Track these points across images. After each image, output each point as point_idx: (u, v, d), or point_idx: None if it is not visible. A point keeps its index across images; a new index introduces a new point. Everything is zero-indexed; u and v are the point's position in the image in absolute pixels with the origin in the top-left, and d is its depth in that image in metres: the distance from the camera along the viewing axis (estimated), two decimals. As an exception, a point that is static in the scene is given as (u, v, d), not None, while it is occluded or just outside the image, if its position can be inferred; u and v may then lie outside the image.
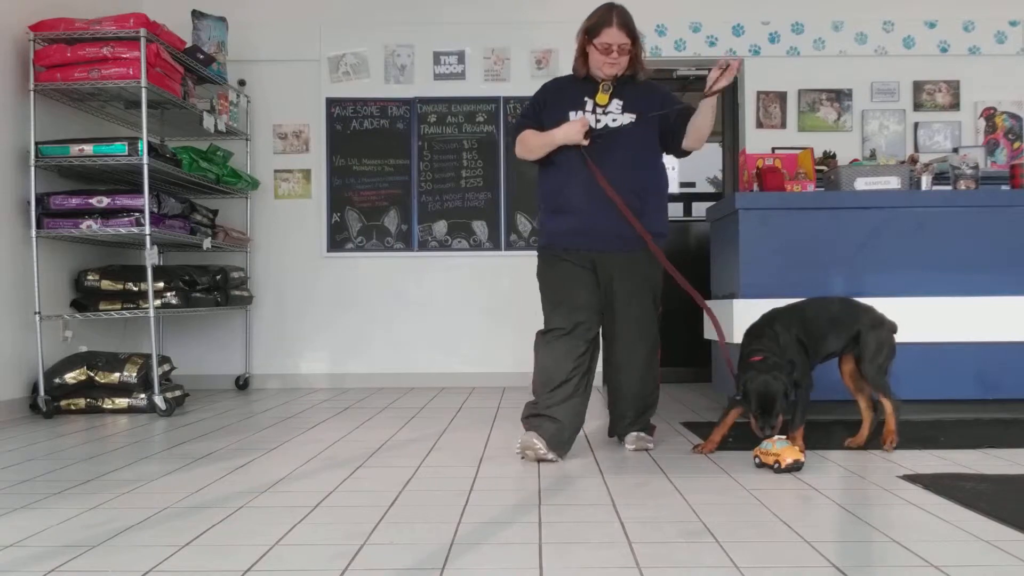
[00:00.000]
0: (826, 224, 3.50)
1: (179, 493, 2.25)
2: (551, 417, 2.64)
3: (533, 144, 2.77)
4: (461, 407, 4.12)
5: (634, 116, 2.74)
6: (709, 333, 3.83)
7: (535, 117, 2.81)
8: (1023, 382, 3.46)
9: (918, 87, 5.16)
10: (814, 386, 2.75)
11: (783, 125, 5.17)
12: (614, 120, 2.75)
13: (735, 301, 3.48)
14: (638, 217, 2.70)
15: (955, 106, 5.16)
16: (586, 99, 2.77)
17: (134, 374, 3.95)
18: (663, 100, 2.81)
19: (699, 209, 5.34)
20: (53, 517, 2.01)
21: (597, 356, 2.81)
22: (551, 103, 2.81)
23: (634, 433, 2.85)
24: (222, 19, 4.80)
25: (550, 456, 2.59)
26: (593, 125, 2.72)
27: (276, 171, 5.20)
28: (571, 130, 2.66)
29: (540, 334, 2.77)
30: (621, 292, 2.77)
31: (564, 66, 5.11)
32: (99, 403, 3.93)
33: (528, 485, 2.31)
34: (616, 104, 2.76)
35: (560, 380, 2.66)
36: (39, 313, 3.88)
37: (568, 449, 2.72)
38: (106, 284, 4.27)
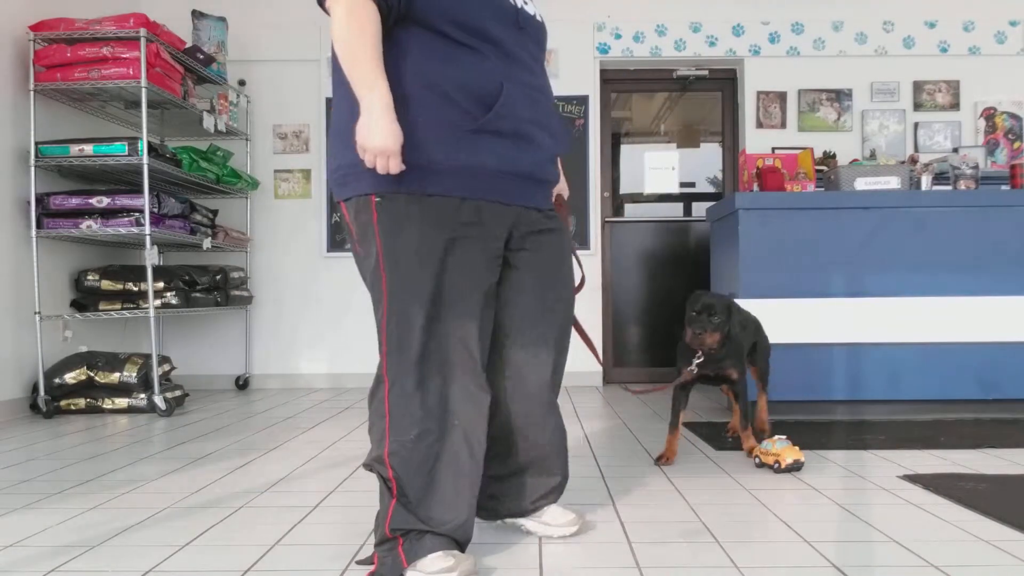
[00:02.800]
0: (826, 224, 3.50)
1: (179, 493, 2.25)
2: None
3: (360, 54, 1.43)
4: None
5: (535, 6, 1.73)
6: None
7: None
8: (1023, 382, 3.46)
9: (918, 87, 5.16)
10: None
11: (783, 125, 5.17)
12: (526, 2, 1.68)
13: (735, 301, 3.48)
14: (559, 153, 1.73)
15: (955, 106, 5.15)
16: None
17: (134, 374, 3.95)
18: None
19: (699, 209, 5.34)
20: (53, 517, 2.01)
21: None
22: None
23: (556, 507, 1.82)
24: (222, 19, 4.80)
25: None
26: (517, 2, 1.63)
27: (276, 171, 5.20)
28: (386, 136, 1.42)
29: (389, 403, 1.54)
30: (536, 278, 1.69)
31: (565, 67, 5.11)
32: (99, 403, 3.93)
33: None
34: None
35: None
36: (39, 313, 3.88)
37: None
38: (106, 284, 4.27)
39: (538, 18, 1.71)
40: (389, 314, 1.52)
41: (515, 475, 1.77)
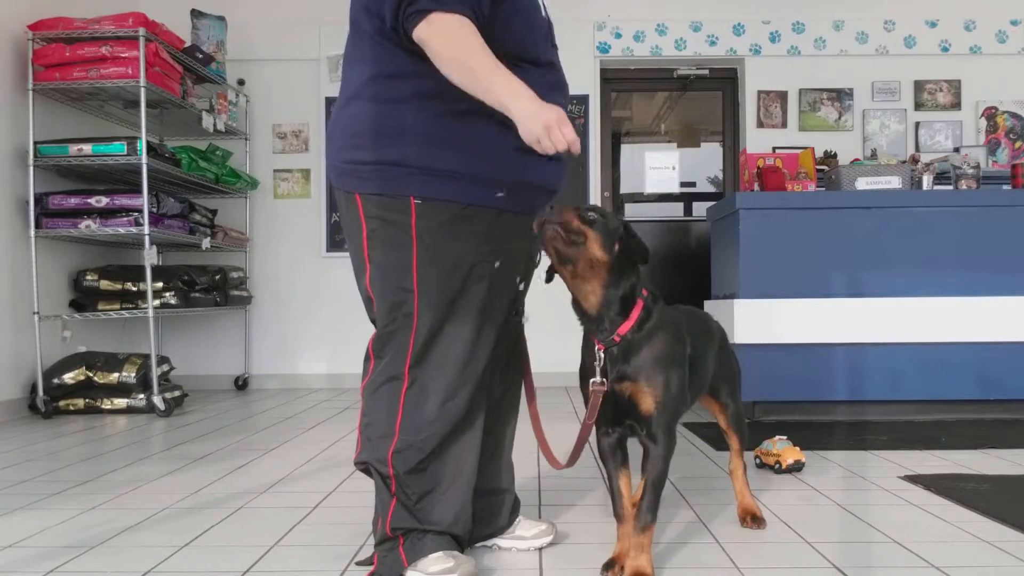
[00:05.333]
0: (827, 224, 3.50)
1: (178, 494, 2.24)
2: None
3: (484, 61, 1.41)
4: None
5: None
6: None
7: None
8: (1024, 382, 3.46)
9: (919, 86, 5.15)
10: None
11: (784, 125, 5.16)
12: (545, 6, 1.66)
13: (735, 301, 3.47)
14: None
15: (956, 105, 5.15)
16: None
17: (133, 374, 3.95)
18: None
19: (699, 209, 5.33)
20: (52, 518, 2.01)
21: None
22: None
23: (525, 519, 1.78)
24: (221, 18, 4.79)
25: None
26: (545, 14, 1.63)
27: (275, 171, 5.19)
28: (549, 117, 1.39)
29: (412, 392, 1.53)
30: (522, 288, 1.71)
31: (565, 66, 5.09)
32: (98, 403, 3.92)
33: (527, 485, 2.30)
34: None
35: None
36: (38, 313, 3.87)
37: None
38: (105, 284, 4.27)
39: (550, 18, 1.68)
40: (420, 318, 1.51)
41: (496, 493, 1.73)
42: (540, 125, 1.38)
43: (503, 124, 1.46)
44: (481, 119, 1.49)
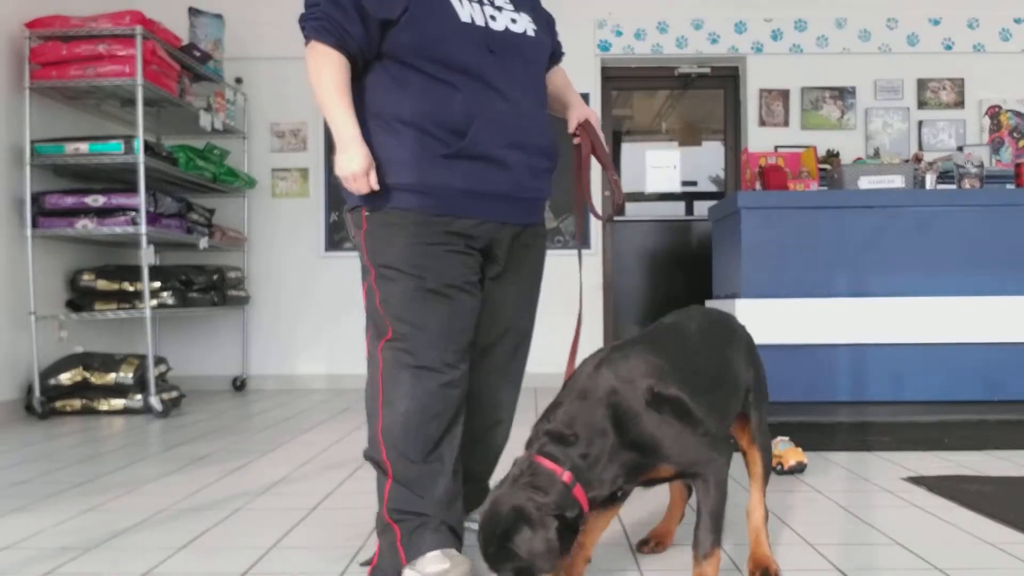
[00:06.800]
0: (829, 223, 3.48)
1: (176, 495, 2.23)
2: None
3: (326, 90, 1.60)
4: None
5: (530, 19, 1.78)
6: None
7: (352, 11, 1.59)
8: (1027, 382, 3.44)
9: (922, 85, 5.14)
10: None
11: (786, 123, 5.14)
12: (513, 20, 1.74)
13: (737, 301, 3.46)
14: (549, 174, 1.80)
15: (959, 104, 5.13)
16: None
17: (130, 375, 3.93)
18: (548, 22, 1.90)
19: (701, 208, 5.32)
20: (48, 520, 1.99)
21: None
22: None
23: None
24: (219, 16, 4.78)
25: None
26: (485, 23, 1.69)
27: (273, 170, 5.18)
28: (352, 162, 1.58)
29: (392, 354, 1.63)
30: (512, 293, 1.80)
31: (565, 64, 5.08)
32: (95, 404, 3.91)
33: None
34: None
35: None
36: (34, 313, 3.85)
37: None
38: (102, 284, 4.25)
39: (529, 33, 1.74)
40: (384, 307, 1.64)
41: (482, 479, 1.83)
42: (341, 174, 1.60)
43: (424, 132, 1.62)
44: (404, 127, 1.64)
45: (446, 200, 1.64)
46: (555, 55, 1.91)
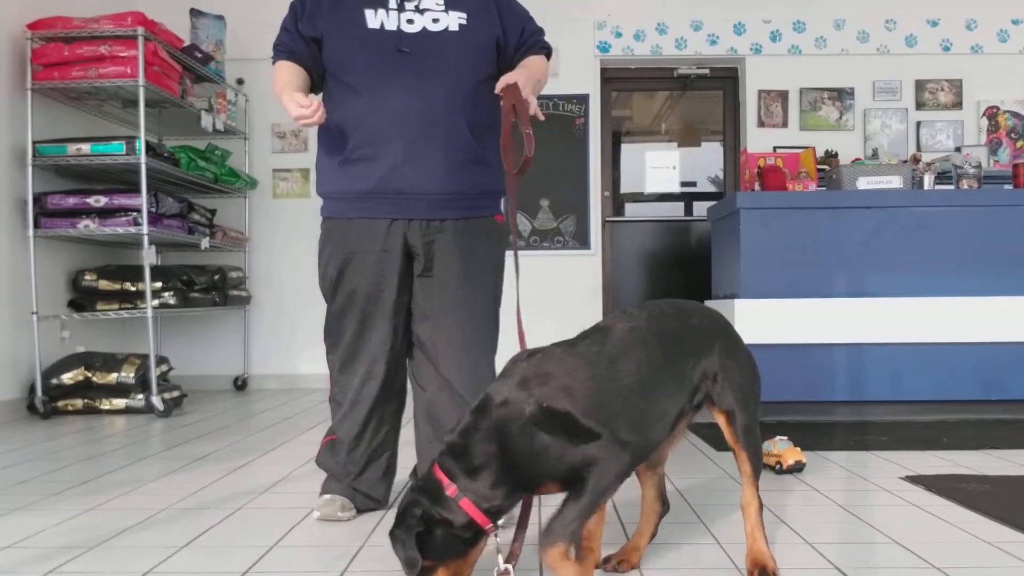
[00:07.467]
0: (828, 224, 3.49)
1: (177, 494, 2.24)
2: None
3: (276, 87, 1.89)
4: (461, 407, 4.11)
5: (464, 16, 1.91)
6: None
7: (294, 32, 1.94)
8: (1025, 382, 3.45)
9: (920, 86, 5.15)
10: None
11: (785, 124, 5.15)
12: (435, 20, 1.89)
13: (736, 301, 3.47)
14: (479, 167, 1.91)
15: (958, 105, 5.14)
16: None
17: (132, 375, 3.94)
18: (507, 3, 1.99)
19: (700, 209, 5.32)
20: (50, 519, 2.00)
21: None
22: (331, 0, 1.92)
23: None
24: (220, 17, 4.79)
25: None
26: (398, 27, 1.86)
27: (275, 170, 5.18)
28: (289, 106, 1.78)
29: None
30: (452, 282, 1.91)
31: (565, 65, 5.10)
32: (96, 404, 3.91)
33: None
34: None
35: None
36: (36, 313, 3.86)
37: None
38: (103, 284, 4.26)
39: (452, 28, 1.88)
40: (328, 307, 1.99)
41: None
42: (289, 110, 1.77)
43: (330, 145, 1.90)
44: (323, 144, 1.94)
45: (345, 204, 1.90)
46: (526, 45, 1.99)
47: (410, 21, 1.88)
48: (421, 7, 1.90)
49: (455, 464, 1.33)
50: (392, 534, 1.35)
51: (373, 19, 1.86)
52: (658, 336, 1.44)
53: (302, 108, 1.74)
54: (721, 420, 1.50)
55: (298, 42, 1.93)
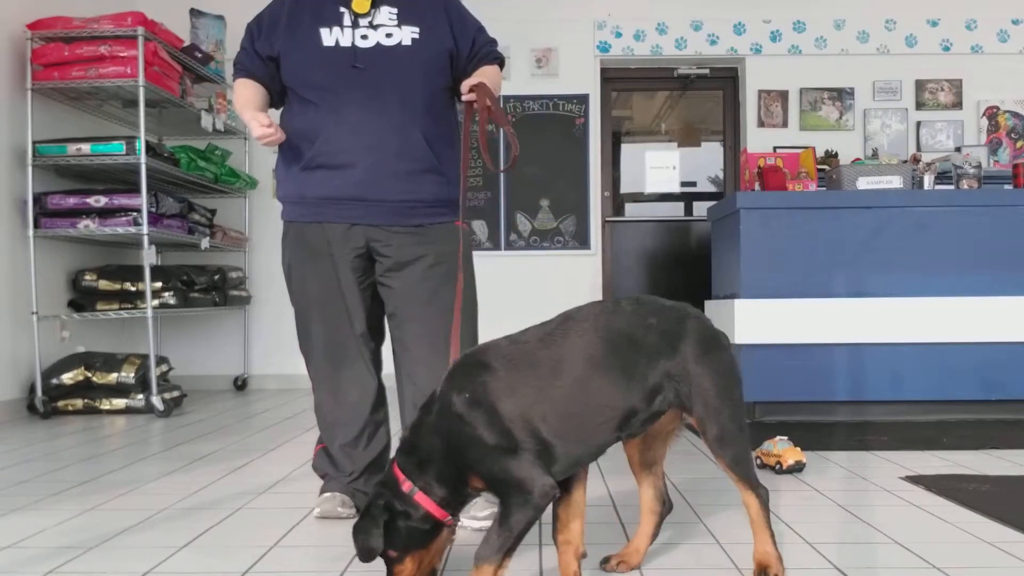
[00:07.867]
0: (828, 224, 3.49)
1: (177, 494, 2.24)
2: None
3: (237, 105, 2.00)
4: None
5: (417, 30, 1.96)
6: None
7: (251, 52, 2.00)
8: (1025, 382, 3.45)
9: (920, 86, 5.15)
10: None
11: (785, 124, 5.15)
12: (388, 35, 1.95)
13: (736, 301, 3.47)
14: (436, 176, 1.97)
15: (958, 105, 5.14)
16: (342, 9, 1.96)
17: (132, 375, 3.94)
18: (459, 16, 2.05)
19: (700, 209, 5.33)
20: (50, 518, 2.00)
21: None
22: (287, 20, 1.97)
23: (482, 500, 1.88)
24: (220, 17, 4.78)
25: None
26: (352, 43, 1.94)
27: (275, 170, 5.17)
28: (252, 124, 1.87)
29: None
30: (418, 276, 1.97)
31: (565, 66, 5.10)
32: (96, 404, 3.91)
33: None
34: (388, 13, 1.97)
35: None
36: (36, 313, 3.86)
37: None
38: (103, 284, 4.26)
39: (404, 43, 1.94)
40: (295, 312, 2.10)
41: None
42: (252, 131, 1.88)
43: (290, 153, 1.98)
44: (283, 152, 2.02)
45: (304, 208, 1.99)
46: (479, 55, 2.06)
47: (364, 37, 1.95)
48: (375, 23, 1.96)
49: (407, 460, 1.41)
50: (355, 526, 1.40)
51: (328, 37, 1.94)
52: (604, 331, 1.41)
53: (264, 128, 1.83)
54: (697, 426, 1.45)
55: (255, 61, 2.01)
